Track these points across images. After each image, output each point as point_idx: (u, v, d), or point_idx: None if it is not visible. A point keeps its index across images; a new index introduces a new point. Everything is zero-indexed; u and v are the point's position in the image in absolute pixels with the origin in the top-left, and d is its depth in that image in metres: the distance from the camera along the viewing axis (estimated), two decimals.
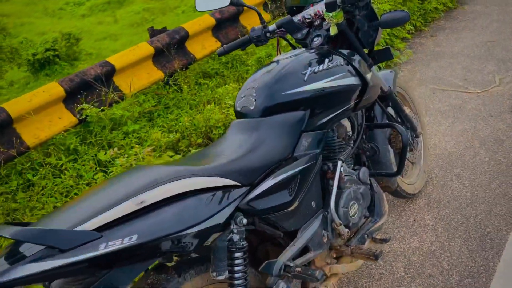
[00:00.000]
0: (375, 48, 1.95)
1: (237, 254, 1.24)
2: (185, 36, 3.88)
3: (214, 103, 3.46)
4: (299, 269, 1.31)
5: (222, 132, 3.05)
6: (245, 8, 4.43)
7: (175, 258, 1.28)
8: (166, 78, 3.72)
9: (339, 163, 1.59)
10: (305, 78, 1.50)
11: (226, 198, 1.19)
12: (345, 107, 1.62)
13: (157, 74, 3.68)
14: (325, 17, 1.72)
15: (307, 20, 1.85)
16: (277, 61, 1.62)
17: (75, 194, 2.78)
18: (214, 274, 1.19)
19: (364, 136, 1.89)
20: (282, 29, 1.86)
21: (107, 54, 5.90)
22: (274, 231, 1.40)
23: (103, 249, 0.94)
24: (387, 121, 2.04)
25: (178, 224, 1.06)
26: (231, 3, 1.83)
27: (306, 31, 1.83)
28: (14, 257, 0.93)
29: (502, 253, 1.94)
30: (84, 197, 1.11)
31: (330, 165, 1.62)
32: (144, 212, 1.04)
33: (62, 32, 8.19)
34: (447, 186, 2.42)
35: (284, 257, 1.37)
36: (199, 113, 3.55)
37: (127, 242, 0.97)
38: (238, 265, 1.24)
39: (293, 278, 1.34)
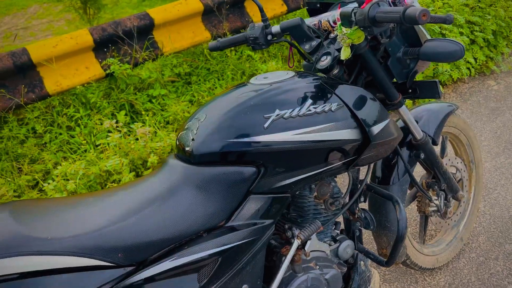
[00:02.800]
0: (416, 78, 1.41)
1: None
2: None
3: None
4: None
5: None
6: None
7: None
8: (211, 40, 3.36)
9: (295, 243, 1.17)
10: (266, 125, 1.07)
11: (87, 282, 0.89)
12: (324, 168, 1.16)
13: (203, 35, 3.32)
14: (337, 33, 1.22)
15: (324, 28, 1.36)
16: (245, 86, 1.20)
17: (85, 151, 2.66)
18: None
19: (363, 198, 1.42)
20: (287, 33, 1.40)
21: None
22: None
23: None
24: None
25: None
26: None
27: (317, 44, 1.34)
28: None
29: None
30: None
31: (290, 233, 1.23)
32: None
33: None
34: (485, 265, 1.84)
35: None
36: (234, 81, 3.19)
37: None
38: None
39: None
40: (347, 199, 1.37)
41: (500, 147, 2.59)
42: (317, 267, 1.25)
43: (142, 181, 1.13)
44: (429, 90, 1.39)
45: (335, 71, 1.28)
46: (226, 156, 1.07)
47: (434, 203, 1.61)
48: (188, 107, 2.88)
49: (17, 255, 0.84)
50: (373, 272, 1.43)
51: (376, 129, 1.19)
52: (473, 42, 3.56)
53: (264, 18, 1.39)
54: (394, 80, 1.36)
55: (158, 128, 2.75)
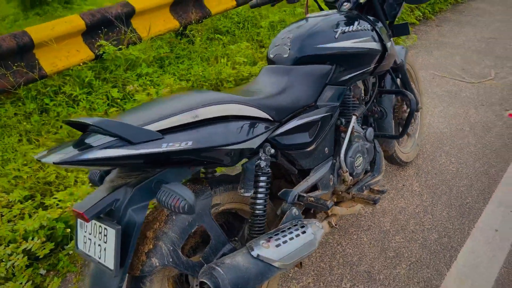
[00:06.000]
0: (395, 22, 2.12)
1: (262, 178, 1.42)
2: None
3: (226, 58, 3.58)
4: (311, 198, 1.51)
5: (232, 86, 3.20)
6: None
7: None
8: (181, 28, 3.81)
9: (353, 118, 1.78)
10: (336, 36, 1.66)
11: (260, 128, 1.37)
12: (366, 69, 1.80)
13: (173, 23, 3.76)
14: None
15: None
16: (309, 18, 1.78)
17: None
18: (242, 191, 1.38)
19: (374, 100, 2.09)
20: None
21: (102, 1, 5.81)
22: (290, 167, 1.59)
23: (164, 147, 1.10)
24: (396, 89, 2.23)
25: (223, 139, 1.23)
26: None
27: None
28: (83, 145, 1.07)
29: (477, 221, 2.19)
30: (148, 105, 1.27)
31: (343, 120, 1.81)
32: (197, 125, 1.20)
33: None
34: (436, 161, 2.65)
35: (298, 189, 1.57)
36: (210, 66, 3.69)
37: (183, 146, 1.14)
38: (262, 187, 1.42)
39: (305, 206, 1.55)
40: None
41: None
42: (360, 140, 1.86)
43: (257, 81, 1.62)
44: (402, 30, 2.12)
45: (345, 7, 1.91)
46: (313, 58, 1.64)
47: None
48: (175, 81, 3.29)
49: (222, 103, 1.29)
50: (382, 154, 2.09)
51: (388, 44, 1.86)
52: None
53: None
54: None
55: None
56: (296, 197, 1.53)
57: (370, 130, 1.93)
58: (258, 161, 1.41)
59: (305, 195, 1.53)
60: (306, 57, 1.64)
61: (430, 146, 2.80)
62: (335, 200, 1.87)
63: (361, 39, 1.73)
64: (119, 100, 3.11)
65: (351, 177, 1.77)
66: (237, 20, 4.54)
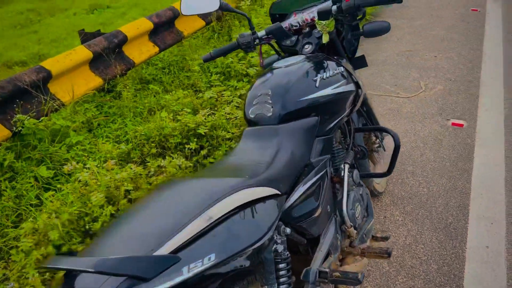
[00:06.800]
0: None
1: (282, 265, 1.21)
2: (123, 40, 3.65)
3: (164, 110, 3.30)
4: (337, 273, 1.32)
5: (180, 141, 2.93)
6: (180, 13, 4.32)
7: None
8: (105, 84, 3.46)
9: (346, 166, 1.64)
10: (317, 85, 1.52)
11: (274, 208, 1.16)
12: (346, 112, 1.68)
13: (95, 81, 3.40)
14: (317, 25, 1.76)
15: (294, 28, 1.88)
16: (278, 69, 1.62)
17: (19, 215, 2.44)
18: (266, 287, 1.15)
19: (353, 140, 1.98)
20: (270, 35, 1.87)
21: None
22: (300, 239, 1.39)
23: (187, 273, 0.85)
24: (361, 125, 2.16)
25: (247, 238, 1.00)
26: (220, 8, 1.79)
27: (295, 39, 1.86)
28: None
29: (466, 240, 2.16)
30: (136, 215, 0.99)
31: (331, 169, 1.67)
32: (210, 228, 0.96)
33: None
34: (405, 184, 2.63)
35: (316, 264, 1.37)
36: (144, 121, 3.38)
37: (207, 262, 0.90)
38: (283, 276, 1.21)
39: (331, 283, 1.35)
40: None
41: None
42: (353, 187, 1.73)
43: (244, 148, 1.41)
44: (361, 63, 2.06)
45: (307, 50, 1.80)
46: (299, 112, 1.48)
47: (378, 141, 2.29)
48: (113, 145, 2.93)
49: (231, 193, 1.06)
50: (369, 193, 1.99)
51: (360, 82, 1.77)
52: None
53: (252, 27, 1.84)
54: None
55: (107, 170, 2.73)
56: (317, 275, 1.34)
57: (356, 173, 1.81)
58: (275, 246, 1.20)
59: (327, 270, 1.34)
60: (291, 113, 1.47)
61: (395, 170, 2.77)
62: (340, 257, 1.71)
63: (339, 83, 1.61)
64: (51, 180, 2.67)
65: (355, 231, 1.62)
66: (161, 65, 4.28)
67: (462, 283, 1.93)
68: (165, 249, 0.86)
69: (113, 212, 2.25)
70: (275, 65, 1.68)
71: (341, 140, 1.82)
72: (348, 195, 1.63)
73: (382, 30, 1.86)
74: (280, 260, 1.20)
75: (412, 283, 1.96)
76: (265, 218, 1.10)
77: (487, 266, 2.00)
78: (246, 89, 3.64)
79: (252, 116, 1.51)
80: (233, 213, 1.03)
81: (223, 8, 1.78)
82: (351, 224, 1.58)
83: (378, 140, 2.32)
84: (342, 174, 1.64)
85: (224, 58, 3.82)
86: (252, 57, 3.83)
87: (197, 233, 0.92)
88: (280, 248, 1.20)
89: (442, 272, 2.00)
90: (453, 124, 3.21)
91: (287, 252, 1.22)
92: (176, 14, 4.25)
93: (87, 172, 2.30)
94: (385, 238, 1.77)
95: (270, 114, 1.46)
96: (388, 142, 2.31)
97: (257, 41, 1.85)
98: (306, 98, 1.49)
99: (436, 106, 3.49)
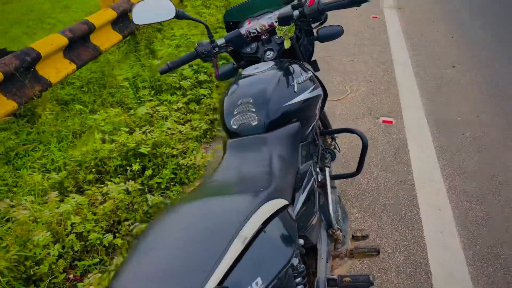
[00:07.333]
0: None
1: (298, 279, 1.14)
2: (37, 58, 3.27)
3: (96, 132, 3.01)
4: (347, 278, 1.29)
5: (120, 163, 2.69)
6: (96, 27, 4.03)
7: None
8: (21, 108, 3.05)
9: (327, 170, 1.63)
10: (295, 90, 1.49)
11: (290, 219, 1.10)
12: (318, 115, 1.67)
13: (8, 105, 2.99)
14: (277, 31, 1.74)
15: (252, 35, 1.84)
16: (251, 75, 1.55)
17: None
18: None
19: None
20: (230, 43, 1.80)
21: None
22: (301, 249, 1.34)
23: None
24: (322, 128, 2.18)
25: (282, 255, 0.93)
26: (176, 16, 1.67)
27: (255, 46, 1.81)
28: None
29: (422, 229, 2.29)
30: (164, 245, 0.85)
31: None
32: (246, 249, 0.87)
33: None
34: (355, 182, 2.72)
35: (321, 272, 1.33)
36: (71, 146, 3.06)
37: None
38: None
39: None
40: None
41: None
42: (334, 190, 1.72)
43: (233, 161, 1.32)
44: (315, 67, 2.09)
45: (269, 56, 1.78)
46: (282, 118, 1.43)
47: (334, 143, 2.34)
48: (42, 176, 2.59)
49: (259, 207, 0.97)
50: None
51: (324, 86, 1.79)
52: None
53: (210, 35, 1.76)
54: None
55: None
56: (326, 283, 1.29)
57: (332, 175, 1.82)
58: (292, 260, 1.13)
59: (335, 277, 1.30)
60: (276, 120, 1.41)
61: (342, 169, 2.86)
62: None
63: (312, 87, 1.60)
64: None
65: (341, 233, 1.61)
66: (79, 84, 3.93)
67: (429, 270, 2.03)
68: (213, 282, 0.75)
69: (60, 251, 1.97)
70: (244, 72, 1.61)
71: (316, 144, 1.82)
72: (331, 198, 1.62)
73: (336, 33, 1.90)
74: (297, 274, 1.13)
75: (386, 277, 2.01)
76: (289, 230, 1.03)
77: (446, 249, 2.14)
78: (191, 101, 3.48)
79: (235, 127, 1.42)
80: (260, 230, 0.94)
81: (179, 16, 1.67)
82: (338, 227, 1.57)
83: (333, 142, 2.36)
84: (323, 178, 1.62)
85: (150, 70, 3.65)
86: (183, 69, 3.70)
87: (237, 257, 0.83)
88: (295, 261, 1.13)
89: (409, 262, 2.09)
90: (384, 121, 3.42)
91: (302, 265, 1.16)
92: (92, 29, 3.95)
93: (24, 209, 1.98)
94: (365, 237, 1.79)
95: (255, 122, 1.39)
96: (342, 142, 2.37)
97: (216, 49, 1.77)
98: (288, 103, 1.45)
99: (364, 106, 3.70)
